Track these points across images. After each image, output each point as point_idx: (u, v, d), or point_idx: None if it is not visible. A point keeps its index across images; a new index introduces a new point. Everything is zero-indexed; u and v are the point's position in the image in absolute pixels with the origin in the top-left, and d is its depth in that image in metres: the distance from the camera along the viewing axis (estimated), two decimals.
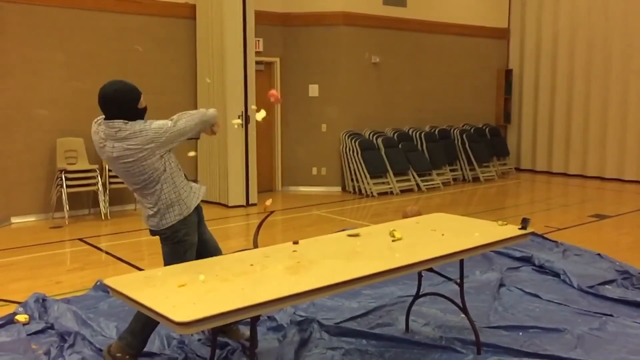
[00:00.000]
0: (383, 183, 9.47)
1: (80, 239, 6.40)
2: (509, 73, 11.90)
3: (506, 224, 3.60)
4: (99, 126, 3.06)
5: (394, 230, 3.37)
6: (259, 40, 8.84)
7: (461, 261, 3.43)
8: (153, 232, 3.19)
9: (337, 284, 2.56)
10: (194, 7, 8.43)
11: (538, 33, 11.53)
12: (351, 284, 2.65)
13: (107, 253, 5.91)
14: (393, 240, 3.27)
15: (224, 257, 3.09)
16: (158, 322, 3.15)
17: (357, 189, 9.42)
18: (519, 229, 3.47)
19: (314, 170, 9.68)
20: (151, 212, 3.10)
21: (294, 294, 2.42)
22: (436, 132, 10.62)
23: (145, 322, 3.10)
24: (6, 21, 7.04)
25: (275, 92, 3.58)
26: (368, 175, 9.28)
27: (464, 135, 10.83)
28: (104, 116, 3.07)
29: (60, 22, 7.40)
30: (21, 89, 7.20)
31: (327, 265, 2.81)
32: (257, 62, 8.60)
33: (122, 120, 3.00)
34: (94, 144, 3.09)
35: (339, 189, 9.65)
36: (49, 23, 7.32)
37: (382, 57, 9.91)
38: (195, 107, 8.58)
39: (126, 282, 2.58)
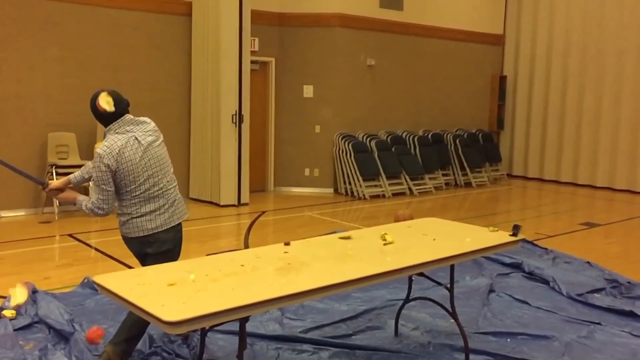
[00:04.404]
0: (375, 186, 9.47)
1: (70, 235, 6.36)
2: (503, 79, 11.95)
3: (497, 230, 3.61)
4: (116, 135, 3.07)
5: (385, 233, 3.37)
6: (254, 40, 8.83)
7: (452, 266, 3.43)
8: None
9: (327, 287, 2.55)
10: (190, 4, 8.40)
11: (533, 40, 11.59)
12: (342, 286, 2.64)
13: (96, 249, 5.87)
14: (384, 244, 3.26)
15: (215, 256, 3.07)
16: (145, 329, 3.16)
17: (349, 191, 9.42)
18: (510, 235, 3.48)
19: (307, 171, 9.67)
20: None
21: (284, 295, 2.40)
22: (429, 136, 10.64)
23: (141, 329, 3.12)
24: (0, 14, 6.98)
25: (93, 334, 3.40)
26: (360, 178, 9.28)
27: (457, 140, 10.85)
28: (111, 137, 3.09)
29: (55, 16, 7.35)
30: (13, 83, 7.14)
31: (318, 268, 2.80)
32: (252, 62, 8.58)
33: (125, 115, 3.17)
34: (127, 162, 3.04)
35: (331, 190, 9.65)
36: (43, 16, 7.27)
37: (377, 59, 9.92)
38: (189, 105, 8.56)
39: (115, 280, 2.56)
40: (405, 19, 10.17)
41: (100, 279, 2.54)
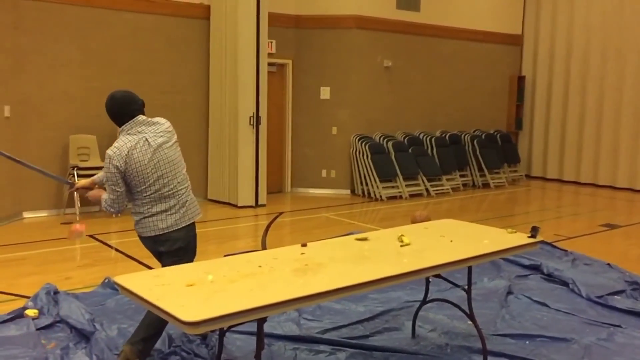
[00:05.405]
0: (392, 187, 9.46)
1: (91, 236, 6.44)
2: (521, 80, 11.86)
3: (515, 232, 3.59)
4: (127, 136, 3.14)
5: (402, 235, 3.37)
6: (271, 42, 8.87)
7: (469, 268, 3.42)
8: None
9: (344, 288, 2.56)
10: (208, 7, 8.48)
11: (552, 40, 11.48)
12: (358, 288, 2.65)
13: (116, 250, 5.95)
14: (401, 245, 3.27)
15: (233, 257, 3.10)
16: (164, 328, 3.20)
17: (366, 193, 9.42)
18: (529, 237, 3.46)
19: (324, 173, 9.69)
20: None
21: (301, 296, 2.42)
22: (447, 137, 10.59)
23: (158, 328, 3.17)
24: (22, 17, 7.11)
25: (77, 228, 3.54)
26: (377, 179, 9.27)
27: (475, 141, 10.79)
28: (124, 137, 3.16)
29: (76, 19, 7.47)
30: (36, 86, 7.27)
31: (335, 269, 2.82)
32: (269, 64, 8.63)
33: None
34: (135, 163, 3.10)
35: (348, 191, 9.66)
36: (64, 20, 7.39)
37: (394, 61, 9.91)
38: (207, 107, 8.63)
39: (135, 280, 2.60)
40: (422, 20, 10.15)
41: (121, 280, 2.58)
